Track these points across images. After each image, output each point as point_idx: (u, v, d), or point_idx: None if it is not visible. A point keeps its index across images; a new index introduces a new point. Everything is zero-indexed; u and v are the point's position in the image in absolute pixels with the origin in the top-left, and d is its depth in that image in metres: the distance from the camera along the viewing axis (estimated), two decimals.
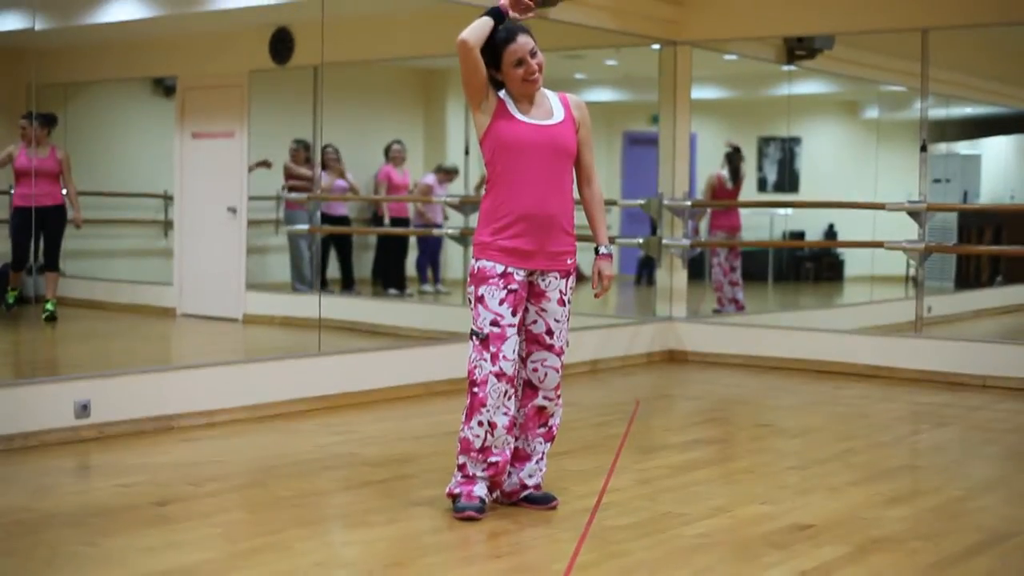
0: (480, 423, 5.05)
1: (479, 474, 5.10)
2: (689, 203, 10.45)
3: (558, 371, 5.23)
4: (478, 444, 5.06)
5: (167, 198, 10.55)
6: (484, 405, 5.03)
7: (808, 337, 10.05)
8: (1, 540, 4.78)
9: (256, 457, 6.48)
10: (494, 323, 5.02)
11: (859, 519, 5.22)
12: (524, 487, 5.27)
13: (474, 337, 5.06)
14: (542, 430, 5.27)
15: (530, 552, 4.74)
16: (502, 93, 5.11)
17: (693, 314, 10.84)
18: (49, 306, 8.62)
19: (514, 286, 5.05)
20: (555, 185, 5.07)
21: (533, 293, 5.15)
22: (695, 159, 11.88)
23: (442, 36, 10.72)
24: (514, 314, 5.05)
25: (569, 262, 5.18)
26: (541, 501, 5.27)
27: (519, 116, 5.06)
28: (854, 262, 13.71)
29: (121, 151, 10.43)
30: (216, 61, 10.70)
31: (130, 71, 10.65)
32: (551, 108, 5.15)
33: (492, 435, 5.05)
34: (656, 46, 10.59)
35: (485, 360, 5.03)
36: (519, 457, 5.27)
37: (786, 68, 11.67)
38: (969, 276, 13.09)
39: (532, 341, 5.18)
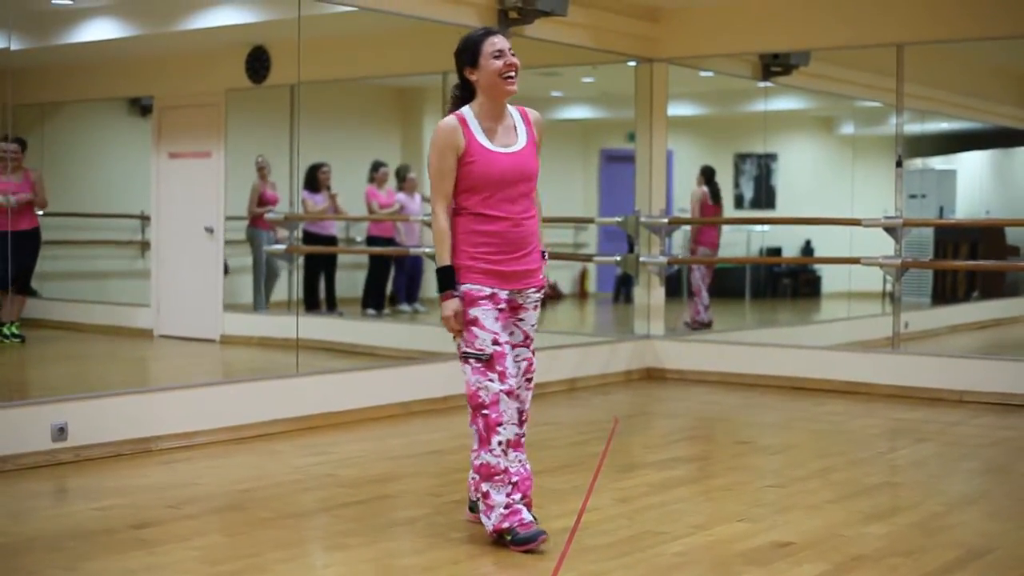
0: (500, 443, 4.97)
1: (515, 502, 4.98)
2: (666, 220, 10.47)
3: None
4: (502, 465, 4.98)
5: (144, 218, 10.51)
6: (500, 424, 4.96)
7: (786, 354, 10.07)
8: None
9: (234, 479, 6.45)
10: (495, 342, 4.98)
11: (838, 536, 5.22)
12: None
13: (473, 360, 4.99)
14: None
15: (510, 572, 4.73)
16: (467, 116, 5.01)
17: (671, 331, 10.86)
18: (14, 328, 8.54)
19: (502, 305, 5.05)
20: (525, 207, 5.08)
21: (511, 308, 5.14)
22: (672, 176, 11.90)
23: (417, 55, 10.76)
24: (504, 330, 5.04)
25: (542, 277, 5.20)
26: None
27: (489, 146, 5.00)
28: (831, 278, 13.76)
29: (97, 171, 10.40)
30: (193, 80, 10.69)
31: (106, 91, 10.63)
32: (516, 129, 5.11)
33: (507, 455, 4.99)
34: (632, 63, 10.62)
35: (491, 380, 4.96)
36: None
37: (762, 84, 11.72)
38: (946, 291, 13.15)
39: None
